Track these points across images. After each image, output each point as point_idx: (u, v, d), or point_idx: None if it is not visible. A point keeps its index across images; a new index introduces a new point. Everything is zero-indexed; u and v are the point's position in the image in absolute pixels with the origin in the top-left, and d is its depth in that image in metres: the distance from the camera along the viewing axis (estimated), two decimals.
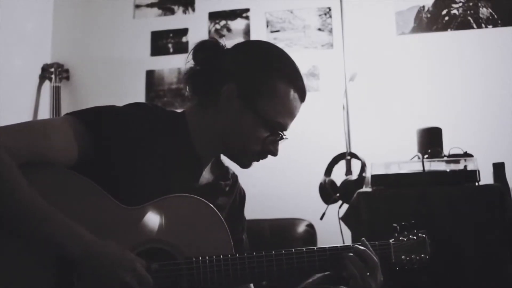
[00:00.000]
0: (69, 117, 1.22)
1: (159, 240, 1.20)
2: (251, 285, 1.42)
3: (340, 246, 1.32)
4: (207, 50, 1.33)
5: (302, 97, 1.32)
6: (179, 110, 1.37)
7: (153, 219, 1.20)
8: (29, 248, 1.11)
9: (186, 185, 1.27)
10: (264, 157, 1.33)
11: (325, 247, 1.31)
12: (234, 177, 1.47)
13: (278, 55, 1.36)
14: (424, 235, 1.42)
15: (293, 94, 1.29)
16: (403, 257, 1.38)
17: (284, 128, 1.31)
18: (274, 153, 1.32)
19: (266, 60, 1.32)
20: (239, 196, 1.47)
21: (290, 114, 1.30)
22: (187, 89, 1.35)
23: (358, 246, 1.32)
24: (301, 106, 1.33)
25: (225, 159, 1.44)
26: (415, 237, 1.41)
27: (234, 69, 1.29)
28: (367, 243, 1.33)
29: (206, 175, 1.38)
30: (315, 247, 1.30)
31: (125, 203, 1.19)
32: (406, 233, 1.41)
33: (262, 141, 1.29)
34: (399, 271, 1.40)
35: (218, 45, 1.34)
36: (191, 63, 1.34)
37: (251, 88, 1.27)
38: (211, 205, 1.25)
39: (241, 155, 1.32)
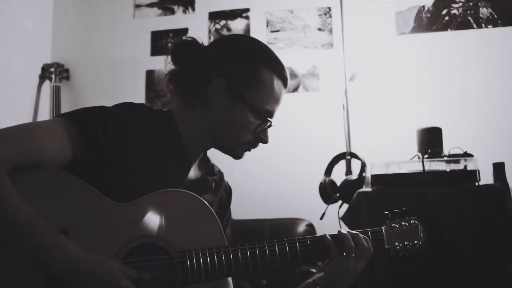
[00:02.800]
0: (59, 119, 1.23)
1: (151, 235, 1.20)
2: (229, 279, 1.43)
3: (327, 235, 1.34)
4: (188, 49, 1.35)
5: (285, 84, 1.36)
6: (165, 109, 1.39)
7: (144, 214, 1.21)
8: (15, 260, 1.10)
9: (176, 181, 1.29)
10: (256, 146, 1.37)
11: (306, 237, 1.33)
12: (220, 174, 1.49)
13: (258, 45, 1.39)
14: (416, 222, 1.43)
15: (277, 81, 1.33)
16: (396, 243, 1.39)
17: (272, 115, 1.35)
18: (265, 141, 1.35)
19: (248, 51, 1.35)
20: (226, 193, 1.49)
21: (277, 100, 1.34)
22: (171, 90, 1.37)
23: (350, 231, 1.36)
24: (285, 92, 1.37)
25: (212, 154, 1.46)
26: (407, 224, 1.42)
27: (218, 64, 1.32)
28: (357, 232, 1.36)
29: (194, 171, 1.40)
30: (307, 237, 1.33)
31: (117, 201, 1.19)
32: (398, 220, 1.42)
33: (253, 130, 1.32)
34: (396, 259, 1.41)
35: (197, 44, 1.36)
36: (170, 65, 1.36)
37: (238, 80, 1.30)
38: (201, 199, 1.26)
39: (234, 146, 1.35)
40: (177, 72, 1.35)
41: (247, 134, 1.32)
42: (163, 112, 1.36)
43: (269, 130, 1.36)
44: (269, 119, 1.33)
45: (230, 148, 1.36)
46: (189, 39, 1.36)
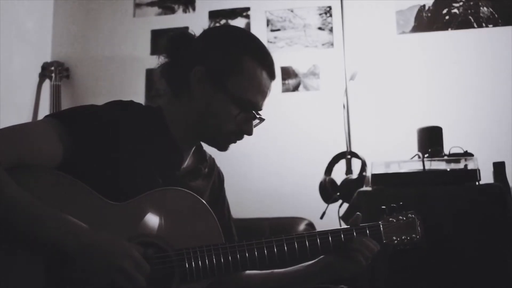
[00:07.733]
0: (49, 119, 1.23)
1: (148, 234, 1.20)
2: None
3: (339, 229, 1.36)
4: (177, 41, 1.35)
5: (270, 74, 1.34)
6: (154, 105, 1.39)
7: (141, 213, 1.21)
8: (16, 247, 1.10)
9: (169, 175, 1.30)
10: (240, 137, 1.35)
11: (315, 232, 1.33)
12: (211, 159, 1.50)
13: (243, 34, 1.39)
14: (413, 215, 1.41)
15: (260, 71, 1.31)
16: (394, 237, 1.39)
17: (255, 106, 1.32)
18: (249, 132, 1.33)
19: (230, 39, 1.35)
20: (218, 179, 1.49)
21: (259, 91, 1.32)
22: (162, 84, 1.36)
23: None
24: (272, 84, 1.35)
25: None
26: (404, 218, 1.41)
27: (201, 52, 1.32)
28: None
29: (188, 161, 1.40)
30: (304, 233, 1.32)
31: (112, 199, 1.19)
32: (395, 214, 1.41)
33: (235, 119, 1.30)
34: (394, 254, 1.41)
35: (187, 34, 1.37)
36: (162, 59, 1.36)
37: (218, 68, 1.30)
38: (198, 197, 1.26)
39: (217, 136, 1.34)
40: (168, 65, 1.35)
41: (229, 124, 1.31)
42: (152, 108, 1.36)
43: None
44: (253, 111, 1.31)
45: (213, 139, 1.35)
46: (180, 30, 1.37)
